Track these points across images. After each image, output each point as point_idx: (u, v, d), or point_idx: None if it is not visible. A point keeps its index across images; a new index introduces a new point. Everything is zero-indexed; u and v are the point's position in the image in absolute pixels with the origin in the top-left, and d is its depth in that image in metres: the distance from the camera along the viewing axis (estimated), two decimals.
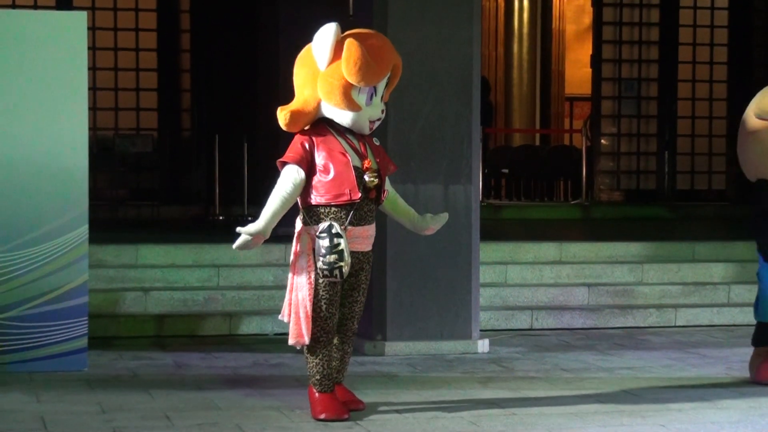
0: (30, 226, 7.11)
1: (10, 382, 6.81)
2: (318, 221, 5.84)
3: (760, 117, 6.92)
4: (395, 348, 8.02)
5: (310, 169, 5.86)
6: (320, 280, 5.83)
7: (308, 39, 5.94)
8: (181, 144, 15.65)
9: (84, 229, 7.18)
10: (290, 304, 5.91)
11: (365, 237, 5.95)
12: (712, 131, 17.40)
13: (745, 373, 7.23)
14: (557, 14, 21.99)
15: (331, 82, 5.79)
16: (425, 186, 8.04)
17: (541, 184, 18.45)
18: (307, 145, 5.87)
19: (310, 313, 5.83)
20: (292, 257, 5.92)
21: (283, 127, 5.90)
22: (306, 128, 5.92)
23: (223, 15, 14.98)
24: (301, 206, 5.93)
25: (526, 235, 11.86)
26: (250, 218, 12.71)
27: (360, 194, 5.84)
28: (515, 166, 18.26)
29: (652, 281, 10.08)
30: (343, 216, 5.84)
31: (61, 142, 7.15)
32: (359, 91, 5.82)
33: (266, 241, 5.97)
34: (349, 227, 5.84)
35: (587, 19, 21.14)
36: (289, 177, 5.84)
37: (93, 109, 13.47)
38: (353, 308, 6.05)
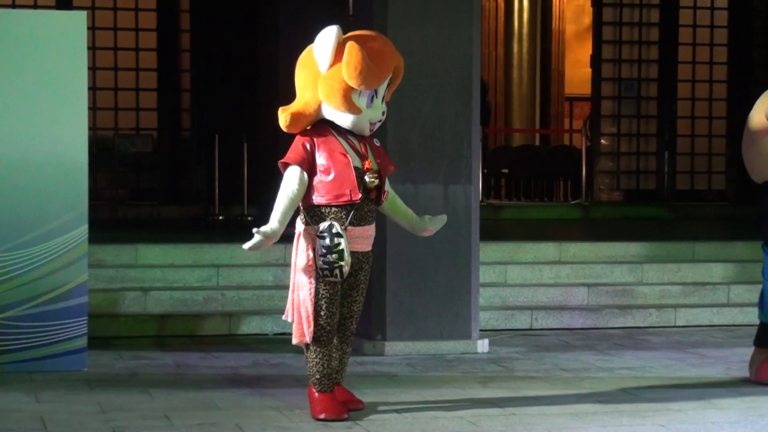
0: (30, 226, 7.10)
1: (9, 382, 6.81)
2: (318, 221, 5.84)
3: None
4: (395, 348, 8.01)
5: (311, 169, 5.86)
6: (320, 280, 5.84)
7: (308, 39, 5.93)
8: (181, 144, 15.64)
9: (84, 229, 7.17)
10: (293, 304, 5.93)
11: (365, 237, 5.95)
12: (712, 131, 17.40)
13: (745, 373, 7.22)
14: (557, 14, 21.99)
15: (332, 85, 5.79)
16: (425, 186, 8.03)
17: (540, 184, 18.44)
18: (308, 146, 5.87)
19: (311, 312, 5.84)
20: (293, 257, 5.92)
21: (284, 129, 5.90)
22: (307, 129, 5.92)
23: (223, 15, 14.98)
24: (302, 206, 5.93)
25: (526, 235, 11.85)
26: (250, 218, 12.74)
27: (360, 195, 5.84)
28: (515, 166, 18.25)
29: (652, 281, 10.07)
30: (344, 216, 5.85)
31: (61, 141, 7.14)
32: (360, 95, 5.82)
33: None
34: (350, 227, 5.84)
35: (587, 19, 21.13)
36: (294, 177, 5.85)
37: (93, 108, 13.48)
38: (352, 308, 6.06)
